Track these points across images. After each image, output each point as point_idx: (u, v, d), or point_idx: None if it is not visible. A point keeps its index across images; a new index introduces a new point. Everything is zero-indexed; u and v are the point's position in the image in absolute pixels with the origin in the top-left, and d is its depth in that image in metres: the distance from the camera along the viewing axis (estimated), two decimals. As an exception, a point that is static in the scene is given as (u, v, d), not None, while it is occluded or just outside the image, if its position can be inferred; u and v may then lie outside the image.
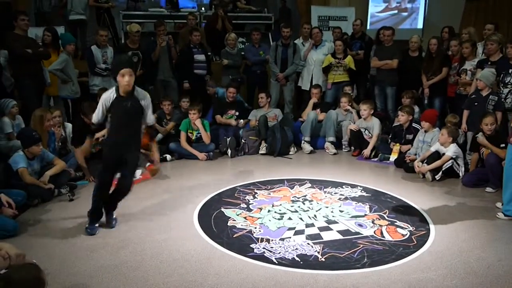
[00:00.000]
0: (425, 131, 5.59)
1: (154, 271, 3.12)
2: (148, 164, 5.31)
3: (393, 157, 5.90)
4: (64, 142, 5.25)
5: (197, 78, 7.14)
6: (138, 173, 5.32)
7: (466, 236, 3.71)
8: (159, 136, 6.30)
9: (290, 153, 6.28)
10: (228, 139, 6.18)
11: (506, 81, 5.26)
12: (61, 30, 7.72)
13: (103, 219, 3.84)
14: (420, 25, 10.14)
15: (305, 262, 3.26)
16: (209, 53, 7.44)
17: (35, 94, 5.94)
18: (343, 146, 6.55)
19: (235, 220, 4.00)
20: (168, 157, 5.98)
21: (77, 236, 3.66)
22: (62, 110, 6.17)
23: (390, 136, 6.22)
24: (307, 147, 6.43)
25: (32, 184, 4.33)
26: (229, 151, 6.15)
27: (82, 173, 5.10)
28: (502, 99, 5.26)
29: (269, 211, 4.23)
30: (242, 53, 7.85)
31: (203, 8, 9.54)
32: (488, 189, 4.79)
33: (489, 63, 5.58)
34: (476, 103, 5.38)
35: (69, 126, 5.44)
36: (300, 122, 6.78)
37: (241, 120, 6.68)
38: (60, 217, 4.06)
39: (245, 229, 3.81)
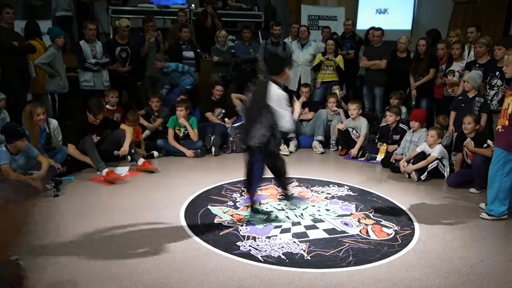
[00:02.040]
0: (413, 131, 5.64)
1: (139, 268, 3.10)
2: (142, 161, 5.30)
3: (380, 157, 5.94)
4: (48, 138, 5.19)
5: (186, 75, 7.10)
6: (126, 169, 5.30)
7: (450, 236, 3.76)
8: (147, 132, 6.29)
9: (283, 153, 6.25)
10: (212, 137, 6.15)
11: (493, 83, 5.33)
12: (48, 24, 7.63)
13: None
14: (408, 26, 10.21)
15: (291, 260, 3.27)
16: (198, 50, 7.41)
17: (22, 88, 5.87)
18: (331, 145, 6.57)
19: (221, 218, 3.99)
20: (156, 153, 5.96)
21: (61, 232, 3.62)
22: (49, 105, 6.11)
23: (377, 136, 6.27)
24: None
25: (17, 180, 4.28)
26: (213, 149, 6.13)
27: (66, 168, 5.07)
28: (488, 101, 5.33)
29: (256, 209, 4.22)
30: (232, 50, 7.83)
31: (193, 5, 9.49)
32: (472, 190, 4.85)
33: (477, 65, 5.65)
34: (462, 105, 5.44)
35: (53, 122, 5.37)
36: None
37: (226, 119, 6.67)
38: (44, 213, 4.01)
39: (232, 227, 3.81)
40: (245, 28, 7.67)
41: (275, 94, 3.53)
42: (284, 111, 3.56)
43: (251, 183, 3.92)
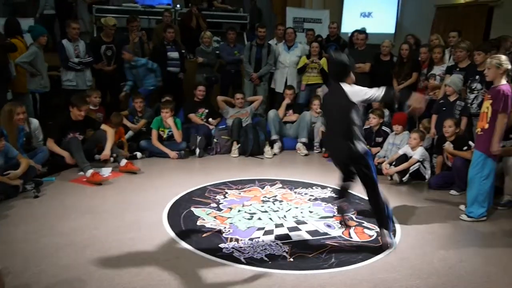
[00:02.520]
0: (396, 134, 5.71)
1: (121, 270, 3.08)
2: (125, 162, 5.26)
3: (363, 159, 5.97)
4: (28, 138, 5.11)
5: (170, 76, 7.07)
6: (108, 170, 5.26)
7: (430, 237, 3.81)
8: (130, 133, 6.24)
9: (267, 156, 6.28)
10: (198, 138, 6.14)
11: (473, 87, 5.42)
12: (30, 22, 7.52)
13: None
14: (392, 30, 10.33)
15: (274, 262, 3.27)
16: (183, 51, 7.39)
17: (2, 87, 5.76)
18: (315, 147, 6.61)
19: (204, 220, 3.98)
20: (139, 154, 5.92)
21: (41, 234, 3.57)
22: (30, 105, 6.01)
23: (360, 139, 6.30)
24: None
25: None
26: (197, 150, 6.10)
27: (47, 169, 5.00)
28: (469, 104, 5.42)
29: (239, 211, 4.23)
30: (217, 52, 7.83)
31: (178, 5, 9.46)
32: (452, 192, 4.93)
33: (458, 69, 5.74)
34: (444, 108, 5.52)
35: (34, 121, 5.29)
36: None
37: (211, 119, 6.66)
38: (24, 214, 3.96)
39: (215, 229, 3.80)
40: (230, 29, 7.67)
41: (352, 89, 3.37)
42: (368, 90, 3.39)
43: (377, 197, 3.54)
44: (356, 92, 3.36)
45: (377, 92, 3.37)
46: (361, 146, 3.41)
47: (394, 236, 3.74)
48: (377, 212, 3.56)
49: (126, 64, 6.70)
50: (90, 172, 4.85)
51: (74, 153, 5.02)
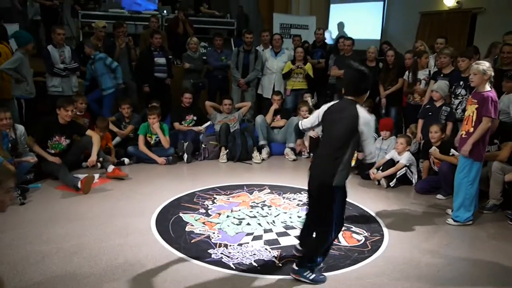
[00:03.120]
0: (383, 139, 5.76)
1: (108, 277, 3.05)
2: (112, 168, 5.21)
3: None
4: (14, 144, 5.04)
5: (157, 82, 7.05)
6: (95, 176, 5.21)
7: (418, 241, 3.84)
8: (117, 139, 6.19)
9: (256, 161, 6.28)
10: (185, 144, 6.12)
11: (457, 93, 5.51)
12: (15, 28, 7.44)
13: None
14: (378, 36, 10.45)
15: (263, 267, 3.28)
16: (170, 57, 7.37)
17: None
18: (303, 153, 6.63)
19: (193, 225, 3.97)
20: (126, 160, 5.88)
21: (28, 241, 3.52)
22: (15, 111, 5.93)
23: (347, 144, 6.34)
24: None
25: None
26: (185, 156, 6.08)
27: (33, 175, 4.95)
28: (454, 110, 5.50)
29: (228, 216, 4.22)
30: (204, 57, 7.83)
31: (165, 11, 9.45)
32: (439, 196, 4.99)
33: (442, 75, 5.83)
34: (430, 113, 5.59)
35: (20, 127, 5.22)
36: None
37: (200, 127, 6.64)
38: (10, 221, 3.90)
39: (203, 234, 3.79)
40: (217, 35, 7.68)
41: (367, 119, 2.90)
42: (372, 138, 3.05)
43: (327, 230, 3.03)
44: (369, 127, 2.94)
45: (373, 151, 3.05)
46: (340, 178, 2.96)
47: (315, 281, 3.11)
48: (308, 254, 3.16)
49: (89, 61, 6.61)
50: (79, 183, 4.79)
51: (62, 178, 4.92)
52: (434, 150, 5.12)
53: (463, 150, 4.07)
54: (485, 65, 3.98)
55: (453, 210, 4.33)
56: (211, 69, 7.54)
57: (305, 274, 3.06)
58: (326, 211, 2.98)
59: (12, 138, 5.02)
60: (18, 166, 4.75)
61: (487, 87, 3.99)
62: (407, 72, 6.48)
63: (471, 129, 4.05)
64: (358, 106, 2.93)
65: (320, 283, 3.07)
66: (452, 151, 4.90)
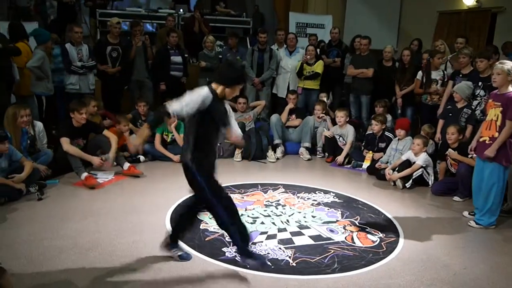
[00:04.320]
0: (399, 139, 5.71)
1: (124, 273, 3.08)
2: (128, 165, 5.26)
3: (365, 164, 5.99)
4: (33, 141, 5.12)
5: (173, 80, 7.09)
6: (111, 174, 5.26)
7: (434, 244, 3.80)
8: (133, 136, 6.23)
9: (270, 160, 6.28)
10: None
11: (476, 94, 5.42)
12: (34, 26, 7.54)
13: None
14: (394, 35, 10.33)
15: (276, 266, 3.27)
16: (186, 55, 7.40)
17: (5, 91, 5.77)
18: (317, 152, 6.61)
19: (207, 223, 3.98)
20: (142, 158, 5.92)
21: (45, 236, 3.57)
22: (35, 108, 6.02)
23: (363, 144, 6.32)
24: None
25: (0, 183, 4.22)
26: None
27: (51, 171, 5.01)
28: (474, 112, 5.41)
29: (242, 215, 4.20)
30: (220, 56, 7.84)
31: (181, 10, 9.50)
32: (456, 198, 4.92)
33: (461, 75, 5.75)
34: (450, 114, 5.51)
35: (38, 124, 5.29)
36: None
37: None
38: (28, 217, 3.97)
39: (217, 233, 3.79)
40: (231, 35, 7.68)
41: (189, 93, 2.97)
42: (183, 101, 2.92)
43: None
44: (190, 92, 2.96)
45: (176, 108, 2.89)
46: (192, 157, 2.98)
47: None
48: (174, 229, 3.30)
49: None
50: (84, 175, 4.83)
51: (69, 157, 4.97)
52: (451, 152, 5.04)
53: (487, 156, 3.95)
54: (509, 64, 3.86)
55: (470, 212, 4.26)
56: None
57: (173, 250, 3.25)
58: (198, 191, 3.07)
59: (31, 134, 5.11)
60: (36, 162, 4.84)
61: (510, 87, 3.89)
62: (420, 72, 6.41)
63: (496, 134, 3.91)
64: (204, 87, 3.02)
65: (185, 261, 3.25)
66: (471, 152, 4.82)
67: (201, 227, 3.90)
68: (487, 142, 4.02)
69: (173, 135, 6.07)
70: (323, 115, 6.70)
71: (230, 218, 3.04)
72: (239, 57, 7.46)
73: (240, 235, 3.06)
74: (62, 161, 5.08)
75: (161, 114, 2.93)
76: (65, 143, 4.95)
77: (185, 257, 3.29)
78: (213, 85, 3.07)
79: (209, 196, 3.00)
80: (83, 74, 6.24)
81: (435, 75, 6.22)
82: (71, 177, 5.08)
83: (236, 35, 7.89)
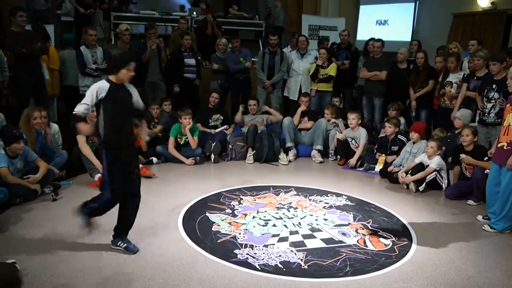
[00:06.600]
0: (413, 142, 5.67)
1: (136, 274, 3.10)
2: (141, 166, 5.29)
3: (378, 167, 5.95)
4: (44, 144, 5.18)
5: (186, 82, 7.14)
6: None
7: (447, 248, 3.76)
8: (146, 138, 6.28)
9: (282, 162, 6.28)
10: (213, 144, 6.16)
11: (490, 96, 5.35)
12: (50, 28, 7.67)
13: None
14: (408, 37, 10.28)
15: (288, 269, 3.27)
16: (199, 58, 7.45)
17: (30, 91, 5.85)
18: (330, 155, 6.59)
19: (219, 225, 3.99)
20: (155, 160, 5.96)
21: (59, 237, 3.62)
22: (54, 108, 6.11)
23: (376, 147, 6.29)
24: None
25: (16, 183, 4.28)
26: (212, 156, 6.13)
27: (65, 172, 5.06)
28: (486, 113, 5.34)
29: (254, 217, 4.23)
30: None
31: (194, 13, 9.57)
32: (470, 202, 4.86)
33: (475, 78, 5.69)
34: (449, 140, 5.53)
35: (54, 126, 5.36)
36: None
37: (226, 126, 6.69)
38: (42, 217, 4.02)
39: (229, 235, 3.80)
40: (233, 37, 7.69)
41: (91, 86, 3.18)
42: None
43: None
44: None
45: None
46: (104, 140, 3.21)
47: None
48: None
49: None
50: (97, 176, 4.88)
51: (83, 158, 5.02)
52: (465, 156, 4.99)
53: (508, 164, 3.87)
54: None
55: (484, 217, 4.21)
56: (232, 72, 7.57)
57: (118, 243, 3.42)
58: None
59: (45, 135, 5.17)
60: (51, 163, 4.90)
61: None
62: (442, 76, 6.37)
63: None
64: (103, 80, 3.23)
65: (131, 252, 3.38)
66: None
67: (213, 229, 3.91)
68: (505, 148, 3.95)
69: (187, 138, 6.10)
70: (332, 119, 6.66)
71: (107, 205, 3.37)
72: (243, 58, 7.44)
73: (97, 209, 3.38)
74: (77, 162, 5.15)
75: (74, 122, 3.12)
76: (81, 141, 5.00)
77: (131, 249, 3.41)
78: (109, 77, 3.26)
79: (105, 178, 3.27)
80: (97, 76, 6.32)
81: (453, 78, 6.16)
82: (85, 178, 5.14)
83: (239, 37, 7.89)
